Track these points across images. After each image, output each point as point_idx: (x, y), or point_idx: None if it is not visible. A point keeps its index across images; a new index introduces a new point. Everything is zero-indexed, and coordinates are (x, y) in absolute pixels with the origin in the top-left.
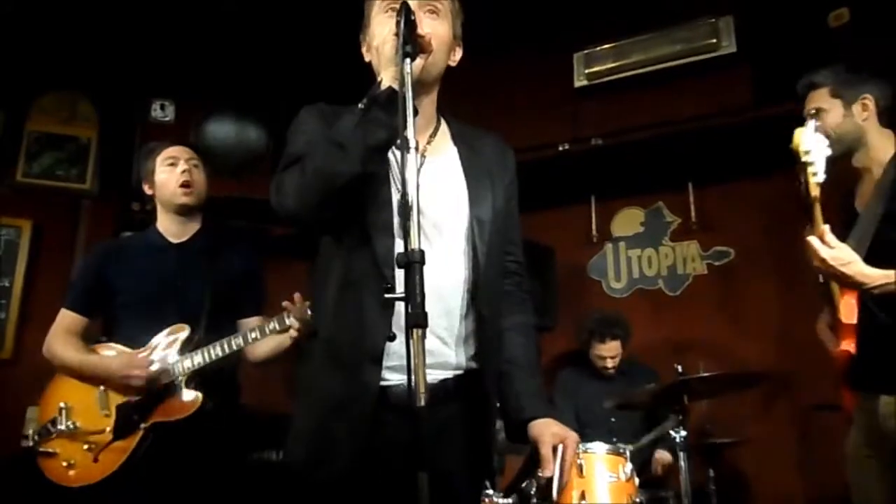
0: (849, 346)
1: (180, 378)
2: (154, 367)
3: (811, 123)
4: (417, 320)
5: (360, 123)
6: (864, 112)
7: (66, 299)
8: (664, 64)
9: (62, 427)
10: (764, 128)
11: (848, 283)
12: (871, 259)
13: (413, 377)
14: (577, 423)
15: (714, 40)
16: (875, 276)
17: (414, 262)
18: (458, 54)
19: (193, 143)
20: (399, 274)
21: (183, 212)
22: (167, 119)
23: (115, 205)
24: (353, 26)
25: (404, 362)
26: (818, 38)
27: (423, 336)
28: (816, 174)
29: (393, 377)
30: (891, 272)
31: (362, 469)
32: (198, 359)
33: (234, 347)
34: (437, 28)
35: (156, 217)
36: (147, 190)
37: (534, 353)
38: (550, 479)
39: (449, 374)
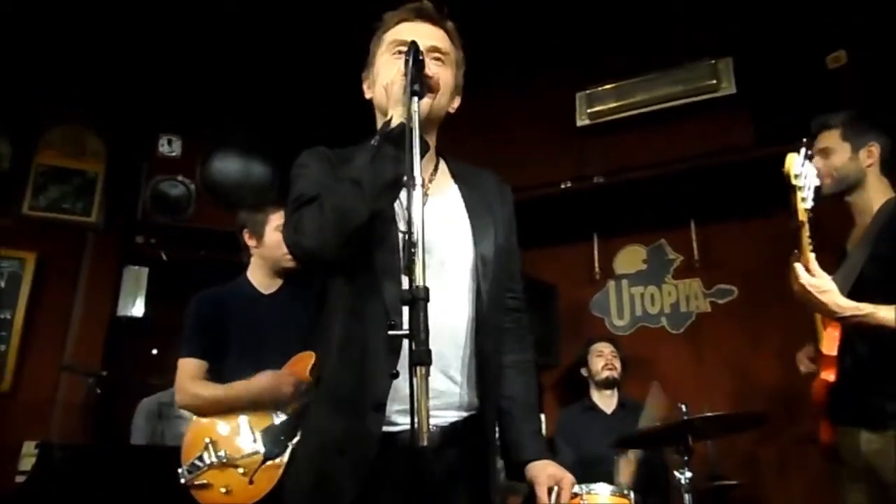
0: (828, 376)
1: None
2: (296, 381)
3: (802, 151)
4: (421, 358)
5: (373, 160)
6: (869, 159)
7: (185, 349)
8: (665, 104)
9: (212, 460)
10: (764, 167)
11: (822, 310)
12: (854, 295)
13: (416, 415)
14: (579, 463)
15: (714, 81)
16: (847, 306)
17: (419, 300)
18: (457, 103)
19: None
20: (405, 313)
21: (282, 273)
22: (174, 154)
23: (119, 238)
24: (357, 64)
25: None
26: (816, 79)
27: (427, 374)
28: (805, 199)
29: (400, 420)
30: (862, 304)
31: None
32: None
33: None
34: (442, 73)
35: (247, 265)
36: (247, 240)
37: (533, 391)
38: None
39: (457, 416)
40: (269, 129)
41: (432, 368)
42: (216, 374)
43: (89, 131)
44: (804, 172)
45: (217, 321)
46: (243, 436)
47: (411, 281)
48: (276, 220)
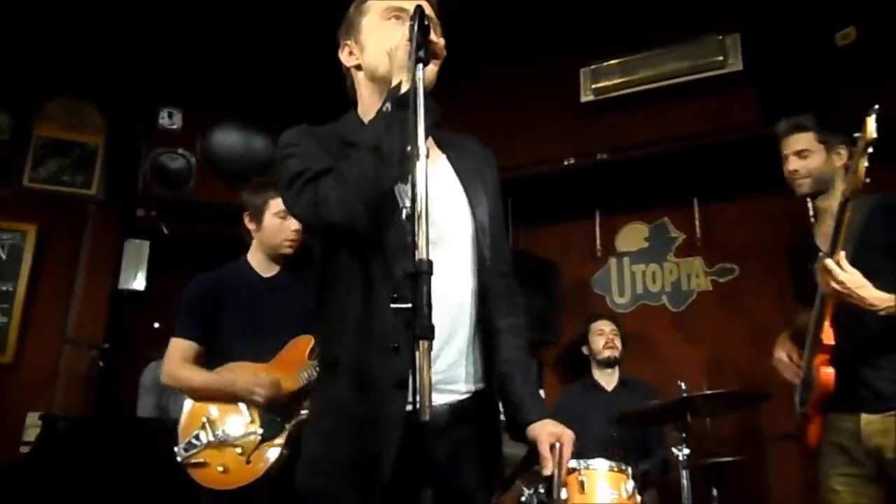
0: (829, 365)
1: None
2: (277, 385)
3: (874, 116)
4: (424, 332)
5: (391, 126)
6: (839, 161)
7: (178, 329)
8: (671, 80)
9: (210, 438)
10: (769, 145)
11: (861, 304)
12: None
13: (419, 390)
14: (579, 440)
15: (721, 57)
16: (885, 298)
17: (422, 273)
18: None
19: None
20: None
21: (278, 259)
22: (174, 127)
23: (120, 211)
24: None
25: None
26: (825, 56)
27: (430, 348)
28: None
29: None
30: None
31: (396, 494)
32: None
33: None
34: (439, 38)
35: (248, 247)
36: (248, 223)
37: (528, 353)
38: (551, 477)
39: (467, 391)
40: (270, 103)
41: (440, 342)
42: (217, 356)
43: (89, 103)
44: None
45: (213, 304)
46: (241, 416)
47: (414, 255)
48: (275, 205)
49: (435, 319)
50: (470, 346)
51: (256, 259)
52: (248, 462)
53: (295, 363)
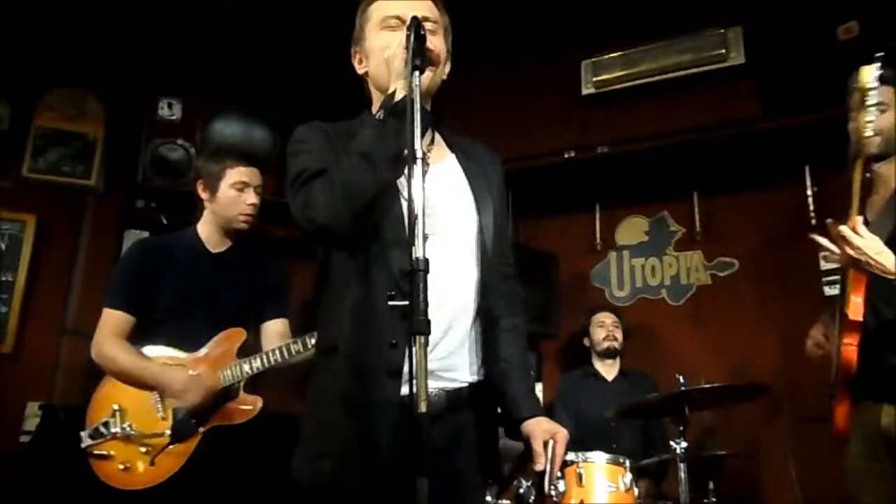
0: (853, 341)
1: (239, 382)
2: (209, 385)
3: (876, 66)
4: (420, 328)
5: (381, 133)
6: None
7: (109, 298)
8: (672, 73)
9: (117, 429)
10: (770, 139)
11: (878, 271)
12: None
13: (415, 384)
14: (576, 429)
15: (723, 51)
16: None
17: (418, 271)
18: (448, 68)
19: (261, 163)
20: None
21: (230, 233)
22: (174, 117)
23: (119, 202)
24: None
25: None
26: (827, 50)
27: (426, 344)
28: (871, 122)
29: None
30: None
31: (390, 478)
32: (256, 363)
33: (293, 353)
34: (437, 43)
35: (198, 217)
36: (201, 192)
37: (526, 353)
38: (542, 473)
39: (466, 379)
40: (271, 93)
41: (440, 334)
42: (144, 330)
43: (89, 94)
44: (876, 90)
45: (151, 272)
46: (153, 410)
47: (412, 252)
48: (233, 175)
49: (435, 311)
50: (470, 338)
51: (206, 231)
52: (151, 464)
53: (221, 359)
